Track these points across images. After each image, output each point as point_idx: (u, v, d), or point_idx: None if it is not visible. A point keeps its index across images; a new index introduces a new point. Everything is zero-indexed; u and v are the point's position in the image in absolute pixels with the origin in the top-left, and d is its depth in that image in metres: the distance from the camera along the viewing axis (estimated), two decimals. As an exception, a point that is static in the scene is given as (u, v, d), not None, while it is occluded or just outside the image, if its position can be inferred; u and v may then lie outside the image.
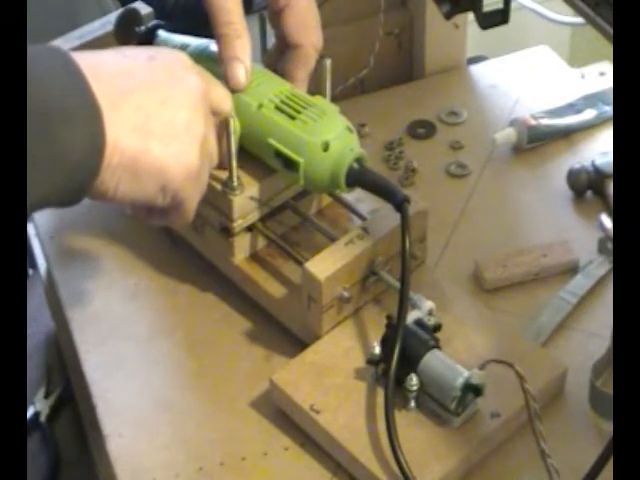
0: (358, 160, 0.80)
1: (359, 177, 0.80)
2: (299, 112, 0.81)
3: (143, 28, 0.89)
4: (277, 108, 0.81)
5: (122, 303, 0.91)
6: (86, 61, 0.64)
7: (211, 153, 0.74)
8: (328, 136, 0.80)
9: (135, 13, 0.92)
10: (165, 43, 0.88)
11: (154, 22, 0.90)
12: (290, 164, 0.80)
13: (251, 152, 0.84)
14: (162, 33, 0.89)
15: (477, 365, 0.77)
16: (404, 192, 0.79)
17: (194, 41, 0.87)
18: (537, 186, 1.02)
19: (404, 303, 0.77)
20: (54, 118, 0.61)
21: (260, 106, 0.82)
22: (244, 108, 0.82)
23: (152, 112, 0.67)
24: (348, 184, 0.80)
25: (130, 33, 0.90)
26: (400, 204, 0.79)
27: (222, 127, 0.79)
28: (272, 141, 0.81)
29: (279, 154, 0.81)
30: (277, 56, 0.88)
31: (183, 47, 0.86)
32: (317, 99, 0.83)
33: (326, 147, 0.79)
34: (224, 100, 0.77)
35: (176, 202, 0.71)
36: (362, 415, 0.77)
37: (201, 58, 0.84)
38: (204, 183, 0.74)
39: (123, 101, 0.65)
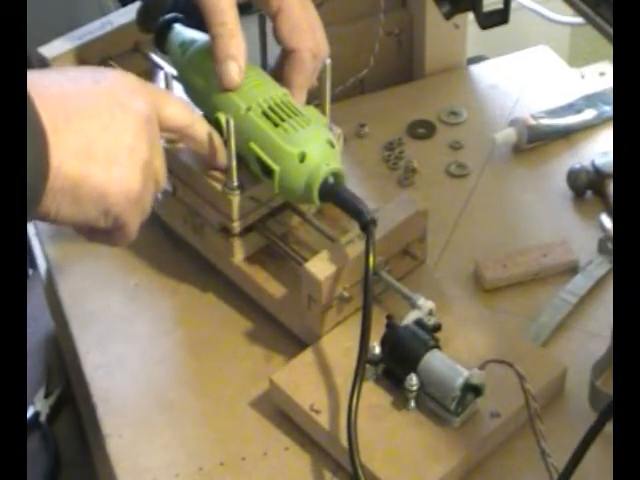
0: (335, 175, 0.80)
1: (332, 192, 0.79)
2: (283, 120, 0.80)
3: (160, 20, 0.88)
4: (264, 113, 0.81)
5: (122, 303, 0.91)
6: (30, 81, 0.62)
7: (156, 176, 0.73)
8: (306, 147, 0.79)
9: (160, 2, 0.90)
10: (178, 37, 0.87)
11: (171, 15, 0.89)
12: (267, 170, 0.80)
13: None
14: (177, 26, 0.88)
15: (477, 365, 0.77)
16: (373, 215, 0.78)
17: (203, 37, 0.86)
18: (537, 186, 1.02)
19: (365, 333, 0.77)
20: None
21: (248, 109, 0.81)
22: (233, 109, 0.82)
23: (94, 137, 0.66)
24: (321, 198, 0.80)
25: (153, 23, 0.89)
26: (366, 225, 0.78)
27: (219, 127, 0.79)
28: (253, 145, 0.81)
29: (259, 159, 0.81)
30: (280, 63, 0.88)
31: (190, 43, 0.85)
32: (308, 109, 0.83)
33: (302, 158, 0.79)
34: (180, 115, 0.76)
35: (117, 225, 0.70)
36: (362, 415, 0.77)
37: (205, 55, 0.84)
38: (146, 207, 0.73)
39: (66, 126, 0.65)
